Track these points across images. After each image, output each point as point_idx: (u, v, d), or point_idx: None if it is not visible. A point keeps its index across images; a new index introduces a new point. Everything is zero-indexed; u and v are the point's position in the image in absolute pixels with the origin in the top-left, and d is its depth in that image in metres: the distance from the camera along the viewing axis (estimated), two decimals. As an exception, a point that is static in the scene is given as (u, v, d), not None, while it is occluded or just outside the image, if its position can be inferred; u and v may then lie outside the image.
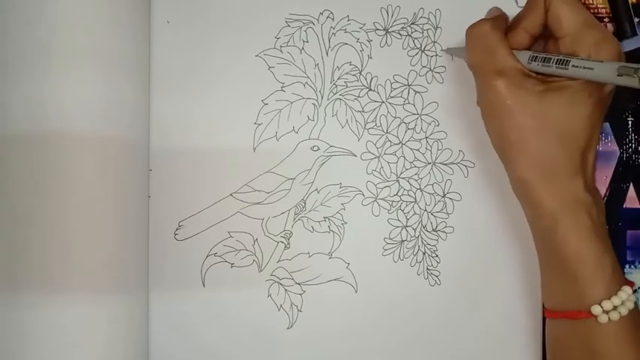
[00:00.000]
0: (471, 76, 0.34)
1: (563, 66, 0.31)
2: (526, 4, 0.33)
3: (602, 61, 0.30)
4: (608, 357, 0.31)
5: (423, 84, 0.39)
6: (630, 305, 0.31)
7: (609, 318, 0.30)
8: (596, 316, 0.31)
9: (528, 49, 0.34)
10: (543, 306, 0.35)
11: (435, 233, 0.39)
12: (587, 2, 0.40)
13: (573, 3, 0.32)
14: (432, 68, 0.39)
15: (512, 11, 0.37)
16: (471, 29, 0.33)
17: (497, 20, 0.34)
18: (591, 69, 0.30)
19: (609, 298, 0.30)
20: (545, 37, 0.34)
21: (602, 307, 0.30)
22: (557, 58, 0.31)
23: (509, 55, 0.32)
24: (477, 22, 0.34)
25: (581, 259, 0.31)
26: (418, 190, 0.39)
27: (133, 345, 0.36)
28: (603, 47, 0.31)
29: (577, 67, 0.31)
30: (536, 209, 0.32)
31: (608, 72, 0.29)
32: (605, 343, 0.31)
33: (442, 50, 0.39)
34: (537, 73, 0.33)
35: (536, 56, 0.32)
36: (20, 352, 0.33)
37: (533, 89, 0.32)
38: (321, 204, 0.39)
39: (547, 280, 0.34)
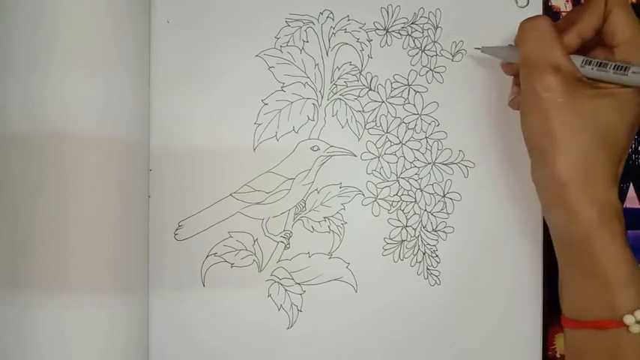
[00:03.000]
0: (471, 77, 0.34)
1: (622, 72, 0.31)
2: (583, 8, 0.33)
3: None
4: None
5: (423, 84, 0.39)
6: None
7: None
8: (627, 326, 0.30)
9: (575, 53, 0.33)
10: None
11: (435, 233, 0.39)
12: (587, 2, 0.40)
13: (632, 12, 0.32)
14: (432, 68, 0.39)
15: (512, 12, 0.37)
16: (530, 22, 0.33)
17: (553, 22, 0.33)
18: None
19: None
20: (591, 46, 0.34)
21: (634, 316, 0.30)
22: (614, 64, 0.31)
23: (565, 55, 0.32)
24: (536, 16, 0.33)
25: (616, 266, 0.30)
26: (418, 190, 0.39)
27: (133, 345, 0.36)
28: None
29: (638, 73, 0.30)
30: (573, 214, 0.31)
31: None
32: (635, 354, 0.30)
33: (477, 48, 0.38)
34: (588, 78, 0.32)
35: (591, 60, 0.32)
36: (20, 352, 0.33)
37: (584, 92, 0.31)
38: (321, 204, 0.39)
39: (573, 288, 0.33)
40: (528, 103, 0.32)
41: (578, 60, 0.32)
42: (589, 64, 0.32)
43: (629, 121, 0.31)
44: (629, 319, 0.30)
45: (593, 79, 0.32)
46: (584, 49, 0.33)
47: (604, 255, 0.30)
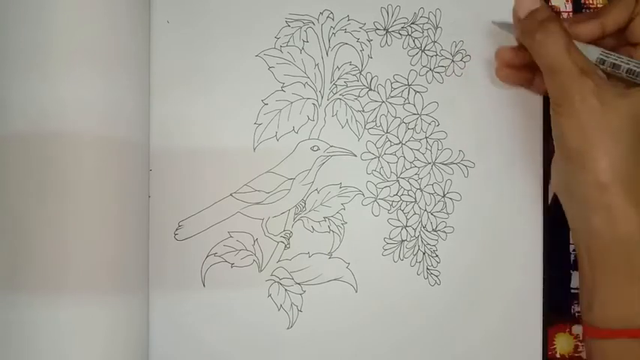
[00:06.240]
0: (471, 77, 0.34)
1: (635, 77, 0.31)
2: (614, 4, 0.32)
3: None
4: None
5: (423, 84, 0.39)
6: None
7: None
8: None
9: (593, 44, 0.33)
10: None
11: (435, 233, 0.39)
12: (587, 2, 0.40)
13: None
14: (432, 68, 0.39)
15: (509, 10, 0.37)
16: (543, 28, 0.32)
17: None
18: None
19: None
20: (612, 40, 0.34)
21: None
22: (628, 66, 0.31)
23: (585, 58, 0.31)
24: (547, 18, 0.32)
25: None
26: (418, 190, 0.39)
27: (133, 345, 0.36)
28: None
29: None
30: (614, 216, 0.30)
31: None
32: None
33: (494, 22, 0.36)
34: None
35: (605, 60, 0.32)
36: (20, 352, 0.33)
37: (616, 90, 0.31)
38: (321, 204, 0.39)
39: (610, 295, 0.31)
40: (561, 108, 0.31)
41: (595, 53, 0.32)
42: (603, 64, 0.32)
43: None
44: None
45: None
46: (601, 45, 0.33)
47: None
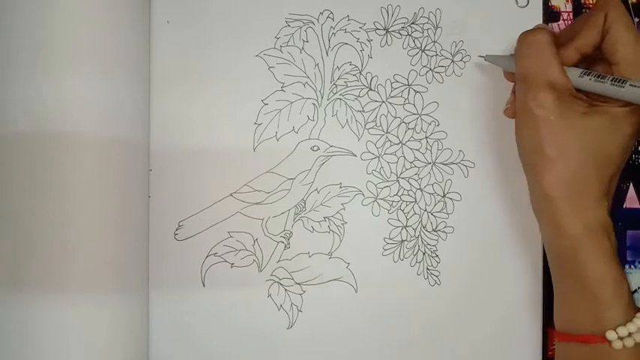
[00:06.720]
0: (471, 77, 0.34)
1: (620, 84, 0.31)
2: (583, 22, 0.33)
3: None
4: None
5: (423, 84, 0.39)
6: None
7: (624, 345, 0.30)
8: (610, 342, 0.30)
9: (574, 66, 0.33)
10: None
11: (435, 233, 0.39)
12: (587, 2, 0.40)
13: (633, 29, 0.32)
14: (432, 68, 0.39)
15: (512, 12, 0.37)
16: (528, 36, 0.33)
17: (553, 34, 0.33)
18: None
19: (625, 324, 0.30)
20: (591, 60, 0.34)
21: (617, 332, 0.30)
22: (612, 76, 0.31)
23: (562, 72, 0.32)
24: (535, 30, 0.33)
25: (601, 282, 0.31)
26: (418, 190, 0.39)
27: (133, 345, 0.36)
28: None
29: (636, 86, 0.30)
30: (558, 229, 0.31)
31: None
32: None
33: (481, 56, 0.38)
34: (585, 92, 0.32)
35: (589, 72, 0.32)
36: (20, 352, 0.33)
37: (578, 109, 0.31)
38: (321, 204, 0.39)
39: (561, 301, 0.33)
40: (521, 118, 0.33)
41: (576, 72, 0.32)
42: (587, 75, 0.32)
43: (623, 141, 0.32)
44: (611, 335, 0.30)
45: (590, 95, 0.32)
46: (585, 63, 0.33)
47: (589, 271, 0.31)
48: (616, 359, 0.30)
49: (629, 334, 0.30)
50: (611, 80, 0.31)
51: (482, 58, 0.38)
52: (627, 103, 0.31)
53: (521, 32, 0.34)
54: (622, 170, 0.33)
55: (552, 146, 0.31)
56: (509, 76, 0.36)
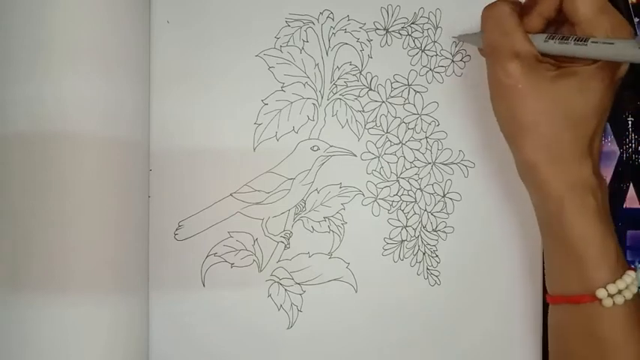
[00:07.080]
0: (471, 77, 0.34)
1: (582, 42, 0.31)
2: None
3: (622, 39, 0.30)
4: (611, 342, 0.31)
5: (423, 84, 0.39)
6: (634, 289, 0.31)
7: (614, 302, 0.30)
8: (600, 300, 0.30)
9: (541, 32, 0.33)
10: (544, 293, 0.35)
11: (435, 233, 0.39)
12: None
13: None
14: (432, 68, 0.39)
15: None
16: (489, 10, 0.33)
17: (515, 3, 0.33)
18: (612, 44, 0.30)
19: (614, 282, 0.30)
20: (558, 22, 0.34)
21: (607, 290, 0.30)
22: (575, 36, 0.32)
23: (525, 39, 0.32)
24: (495, 3, 0.33)
25: (587, 241, 0.31)
26: (418, 190, 0.39)
27: (133, 345, 0.36)
28: (620, 32, 0.31)
29: (597, 42, 0.31)
30: (542, 192, 0.32)
31: (628, 47, 0.30)
32: (609, 328, 0.31)
33: (453, 37, 0.38)
34: (552, 56, 0.32)
35: (554, 35, 0.32)
36: (20, 352, 0.33)
37: (546, 74, 0.32)
38: (321, 204, 0.39)
39: (551, 264, 0.33)
40: (494, 91, 0.33)
41: (541, 37, 0.32)
42: (552, 39, 0.32)
43: (596, 100, 0.32)
44: (601, 293, 0.30)
45: (557, 58, 0.32)
46: (554, 27, 0.34)
47: (575, 231, 0.31)
48: (606, 317, 0.31)
49: (619, 292, 0.30)
50: (575, 40, 0.31)
51: (457, 39, 0.38)
52: (594, 61, 0.32)
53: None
54: (604, 124, 0.33)
55: (525, 113, 0.32)
56: (482, 52, 0.37)
